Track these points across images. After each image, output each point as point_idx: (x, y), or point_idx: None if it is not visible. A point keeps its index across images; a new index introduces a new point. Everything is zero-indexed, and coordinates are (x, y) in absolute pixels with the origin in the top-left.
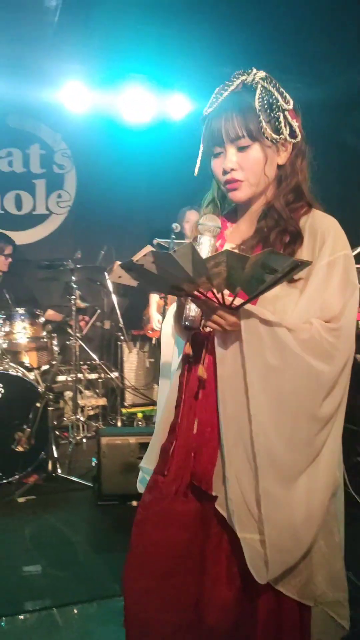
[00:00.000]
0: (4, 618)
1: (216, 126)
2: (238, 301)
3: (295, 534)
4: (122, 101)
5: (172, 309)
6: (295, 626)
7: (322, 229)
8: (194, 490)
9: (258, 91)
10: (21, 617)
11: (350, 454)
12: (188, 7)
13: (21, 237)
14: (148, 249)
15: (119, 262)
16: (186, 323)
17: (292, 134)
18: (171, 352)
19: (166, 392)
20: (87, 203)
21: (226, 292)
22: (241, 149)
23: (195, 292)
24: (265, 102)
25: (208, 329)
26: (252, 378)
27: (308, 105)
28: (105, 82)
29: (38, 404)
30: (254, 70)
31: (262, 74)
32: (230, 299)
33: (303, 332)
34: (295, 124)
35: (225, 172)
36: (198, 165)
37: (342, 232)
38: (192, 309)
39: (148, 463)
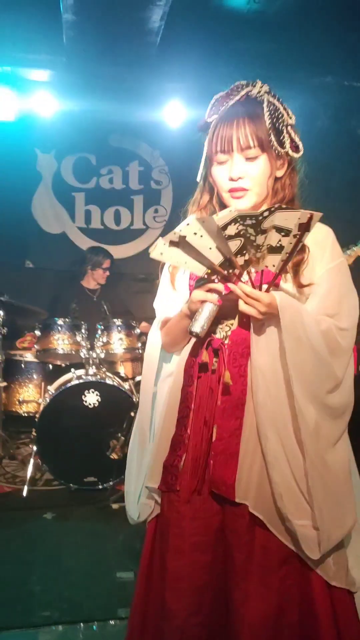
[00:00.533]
0: (96, 622)
1: (226, 133)
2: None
3: (341, 506)
4: None
5: (156, 323)
6: (349, 612)
7: (320, 238)
8: (212, 503)
9: (265, 103)
10: (112, 622)
11: None
12: (286, 24)
13: (119, 251)
14: (192, 219)
15: (161, 237)
16: (197, 330)
17: (295, 149)
18: (155, 367)
19: (149, 407)
20: (183, 218)
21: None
22: (249, 158)
23: (229, 273)
24: (272, 115)
25: (220, 335)
26: (291, 358)
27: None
28: (203, 99)
29: (132, 413)
30: (259, 83)
31: (266, 87)
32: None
33: (323, 322)
34: (298, 139)
35: (230, 180)
36: (201, 171)
37: (336, 240)
38: (204, 317)
39: (153, 481)
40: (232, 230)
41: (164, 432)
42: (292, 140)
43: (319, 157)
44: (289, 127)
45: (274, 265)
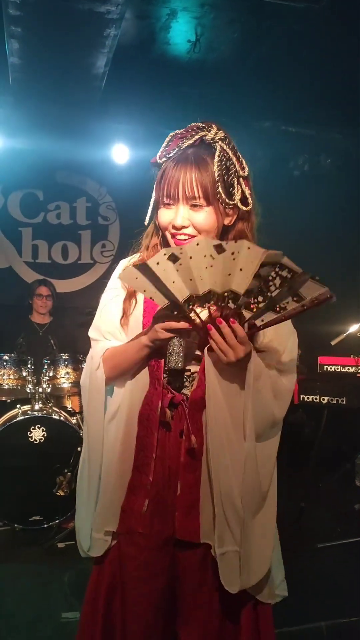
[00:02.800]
0: None
1: (173, 180)
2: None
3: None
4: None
5: (98, 354)
6: (269, 622)
7: None
8: (170, 543)
9: (217, 152)
10: None
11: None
12: (225, 71)
13: (66, 286)
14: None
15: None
16: (177, 366)
17: (244, 201)
18: (102, 404)
19: (100, 445)
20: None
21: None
22: (194, 206)
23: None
24: (223, 165)
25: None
26: (253, 406)
27: None
28: (148, 140)
29: (79, 449)
30: (215, 128)
31: (221, 134)
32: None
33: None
34: (248, 192)
35: (174, 227)
36: (149, 214)
37: None
38: (178, 351)
39: (111, 525)
40: (265, 271)
41: (119, 477)
42: (242, 193)
43: (259, 196)
44: (240, 179)
45: (262, 321)
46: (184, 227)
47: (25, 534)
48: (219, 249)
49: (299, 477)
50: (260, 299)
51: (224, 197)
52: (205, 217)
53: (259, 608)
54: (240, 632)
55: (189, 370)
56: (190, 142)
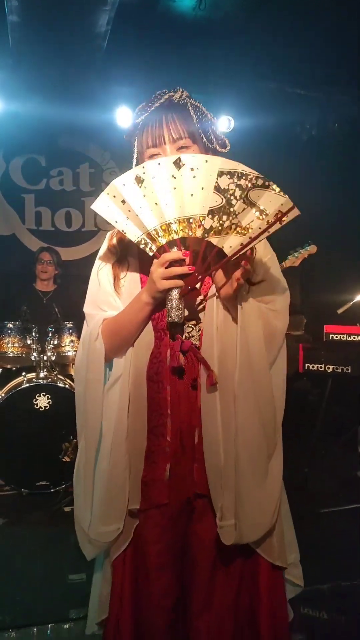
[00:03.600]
0: (49, 625)
1: (156, 128)
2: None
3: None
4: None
5: (95, 327)
6: (281, 590)
7: None
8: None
9: (190, 106)
10: (65, 625)
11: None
12: (232, 31)
13: (70, 253)
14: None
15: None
16: (176, 319)
17: (221, 145)
18: (102, 375)
19: (99, 421)
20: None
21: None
22: (181, 148)
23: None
24: (198, 112)
25: (185, 336)
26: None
27: None
28: None
29: None
30: (180, 89)
31: (187, 93)
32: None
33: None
34: (223, 137)
35: None
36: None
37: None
38: (176, 302)
39: (134, 502)
40: (224, 182)
41: (134, 446)
42: (217, 138)
43: (266, 159)
44: (213, 126)
45: (230, 247)
46: None
47: (32, 498)
48: (178, 164)
49: (303, 444)
50: (224, 218)
51: (205, 139)
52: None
53: (273, 575)
54: (255, 599)
55: (195, 320)
56: (161, 101)
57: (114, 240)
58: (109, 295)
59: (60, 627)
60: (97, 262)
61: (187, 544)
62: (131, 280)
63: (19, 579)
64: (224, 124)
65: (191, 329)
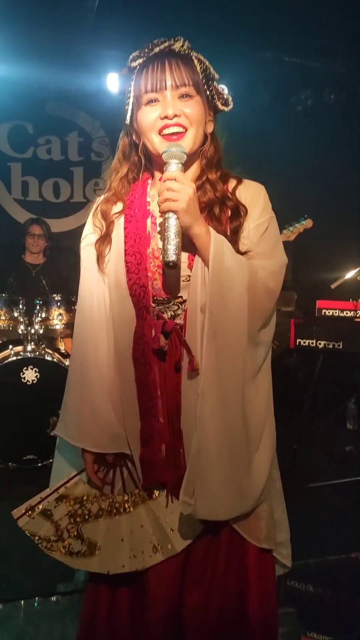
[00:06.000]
0: (37, 599)
1: (157, 73)
2: None
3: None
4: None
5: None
6: (271, 573)
7: (250, 195)
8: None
9: (193, 57)
10: (53, 598)
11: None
12: None
13: (59, 225)
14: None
15: None
16: (172, 258)
17: (224, 103)
18: (99, 347)
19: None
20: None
21: None
22: (184, 96)
23: None
24: (202, 65)
25: (168, 316)
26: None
27: None
28: None
29: None
30: (182, 39)
31: (188, 44)
32: None
33: (254, 266)
34: (226, 93)
35: (165, 118)
36: (129, 115)
37: (267, 196)
38: (172, 236)
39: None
40: None
41: (129, 429)
42: (219, 95)
43: (259, 131)
44: (215, 82)
45: None
46: (176, 116)
47: (19, 472)
48: None
49: (292, 420)
50: None
51: (208, 93)
52: (196, 106)
53: (261, 557)
54: (247, 581)
55: (180, 297)
56: (161, 47)
57: (99, 214)
58: (90, 274)
59: (48, 601)
60: (82, 241)
61: None
62: (116, 252)
63: (5, 553)
64: None
65: (177, 307)
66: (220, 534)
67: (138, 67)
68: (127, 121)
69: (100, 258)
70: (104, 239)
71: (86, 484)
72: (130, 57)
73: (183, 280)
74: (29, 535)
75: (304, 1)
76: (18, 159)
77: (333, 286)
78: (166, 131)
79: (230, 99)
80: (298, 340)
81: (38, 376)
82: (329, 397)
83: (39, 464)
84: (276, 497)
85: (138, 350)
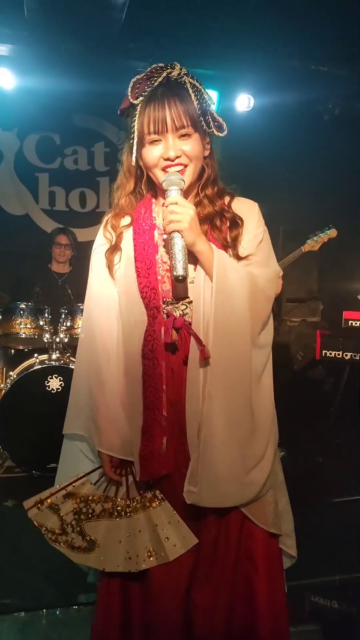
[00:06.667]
0: (59, 608)
1: (158, 114)
2: None
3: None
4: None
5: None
6: (260, 553)
7: (246, 211)
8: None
9: (188, 86)
10: (75, 607)
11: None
12: (254, 6)
13: (84, 234)
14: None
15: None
16: (181, 272)
17: (218, 128)
18: (113, 345)
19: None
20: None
21: None
22: (183, 136)
23: None
24: (197, 96)
25: (177, 314)
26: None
27: None
28: None
29: None
30: (178, 65)
31: (185, 69)
32: None
33: (252, 274)
34: (221, 119)
35: (167, 160)
36: (134, 154)
37: (259, 212)
38: (179, 254)
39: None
40: None
41: (131, 422)
42: (214, 120)
43: (286, 140)
44: (211, 108)
45: None
46: (177, 157)
47: (43, 480)
48: None
49: (317, 432)
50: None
51: (204, 124)
52: (194, 144)
53: (270, 547)
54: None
55: (189, 298)
56: (159, 80)
57: (109, 227)
58: (102, 281)
59: (69, 611)
60: (94, 256)
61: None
62: (126, 261)
63: (28, 562)
64: (243, 102)
65: (185, 307)
66: (229, 525)
67: (140, 105)
68: (133, 162)
69: (110, 266)
70: (114, 248)
71: (92, 485)
72: (130, 88)
73: (189, 282)
74: (36, 525)
75: (331, 9)
76: (45, 169)
77: None
78: (169, 169)
79: (224, 124)
80: (324, 351)
81: (62, 384)
82: (356, 409)
83: None
84: (280, 489)
85: (147, 346)
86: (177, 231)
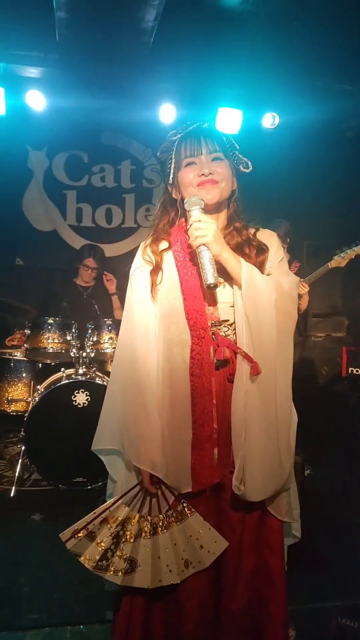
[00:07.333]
0: (83, 625)
1: (194, 142)
2: None
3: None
4: (211, 118)
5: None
6: (277, 541)
7: (268, 240)
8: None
9: (217, 131)
10: (99, 625)
11: None
12: (279, 26)
13: (110, 250)
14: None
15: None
16: (212, 281)
17: (245, 166)
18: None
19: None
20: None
21: None
22: (215, 159)
23: None
24: (225, 137)
25: (223, 333)
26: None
27: None
28: (196, 100)
29: None
30: (207, 123)
31: (212, 125)
32: None
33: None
34: (246, 159)
35: (202, 176)
36: (171, 176)
37: (278, 240)
38: (208, 265)
39: (186, 486)
40: None
41: (178, 438)
42: (240, 160)
43: (311, 157)
44: (237, 151)
45: None
46: (210, 173)
47: (69, 494)
48: None
49: (343, 449)
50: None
51: (232, 158)
52: (225, 166)
53: (279, 532)
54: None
55: (228, 320)
56: (193, 127)
57: (148, 250)
58: (143, 300)
59: (94, 627)
60: (132, 274)
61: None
62: (170, 284)
63: (55, 577)
64: (268, 120)
65: (227, 329)
66: (252, 520)
67: (177, 140)
68: (170, 180)
69: (153, 286)
70: (157, 270)
71: (126, 507)
72: (169, 134)
73: (229, 306)
74: (75, 556)
75: (354, 28)
76: (73, 187)
77: None
78: (204, 185)
79: (249, 163)
80: (350, 368)
81: (89, 399)
82: None
83: (89, 487)
84: (290, 479)
85: (196, 365)
86: (204, 244)
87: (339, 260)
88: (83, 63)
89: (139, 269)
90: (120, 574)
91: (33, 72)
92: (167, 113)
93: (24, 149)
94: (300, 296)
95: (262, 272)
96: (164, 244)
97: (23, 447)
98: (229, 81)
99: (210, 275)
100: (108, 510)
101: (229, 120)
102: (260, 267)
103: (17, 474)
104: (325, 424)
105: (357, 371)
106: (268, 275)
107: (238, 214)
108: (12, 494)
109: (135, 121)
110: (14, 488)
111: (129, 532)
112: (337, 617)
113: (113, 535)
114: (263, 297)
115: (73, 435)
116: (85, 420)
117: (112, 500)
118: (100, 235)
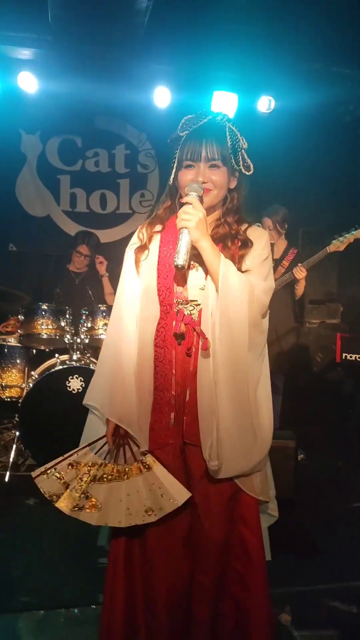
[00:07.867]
0: (77, 607)
1: (196, 145)
2: None
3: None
4: (206, 101)
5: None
6: (253, 517)
7: (257, 236)
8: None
9: (227, 130)
10: (93, 607)
11: None
12: (276, 7)
13: (105, 236)
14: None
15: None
16: (181, 262)
17: (246, 168)
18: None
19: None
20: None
21: None
22: (212, 167)
23: None
24: (232, 138)
25: (187, 312)
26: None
27: None
28: (191, 83)
29: None
30: (222, 114)
31: (227, 117)
32: None
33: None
34: (249, 161)
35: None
36: (173, 175)
37: (268, 239)
38: (183, 247)
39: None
40: None
41: (141, 400)
42: (244, 161)
43: (307, 142)
44: (243, 151)
45: None
46: (204, 182)
47: None
48: None
49: (336, 436)
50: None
51: (233, 162)
52: (221, 175)
53: (254, 510)
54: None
55: (196, 300)
56: (204, 120)
57: (143, 230)
58: (129, 274)
59: (88, 609)
60: (126, 250)
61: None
62: (149, 265)
63: (49, 560)
64: (264, 104)
65: (192, 308)
66: (223, 493)
67: (184, 137)
68: (170, 182)
69: (137, 262)
70: (143, 248)
71: (94, 454)
72: (181, 124)
73: (200, 289)
74: (43, 491)
75: (352, 11)
76: (67, 171)
77: None
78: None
79: (251, 165)
80: (344, 354)
81: (83, 385)
82: None
83: None
84: (266, 461)
85: (159, 337)
86: (186, 228)
87: (338, 244)
88: (76, 44)
89: (131, 246)
90: (79, 510)
91: (25, 53)
92: (161, 96)
93: (17, 133)
94: (297, 281)
95: (240, 265)
96: (157, 227)
97: (17, 433)
98: (224, 64)
99: (180, 256)
100: (76, 454)
101: (224, 103)
102: (240, 260)
103: (11, 459)
104: (319, 410)
105: (351, 357)
106: (246, 271)
107: (235, 209)
108: (6, 479)
109: (129, 104)
110: (8, 473)
111: (93, 475)
112: (329, 600)
113: (79, 477)
114: (236, 295)
115: (67, 420)
116: (80, 406)
117: (81, 447)
118: (94, 221)
